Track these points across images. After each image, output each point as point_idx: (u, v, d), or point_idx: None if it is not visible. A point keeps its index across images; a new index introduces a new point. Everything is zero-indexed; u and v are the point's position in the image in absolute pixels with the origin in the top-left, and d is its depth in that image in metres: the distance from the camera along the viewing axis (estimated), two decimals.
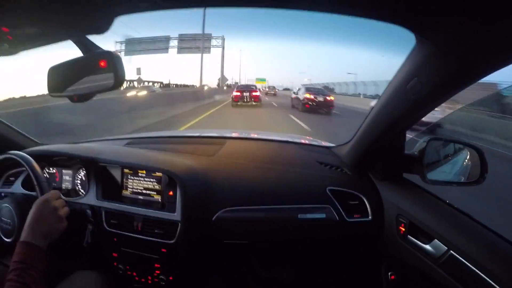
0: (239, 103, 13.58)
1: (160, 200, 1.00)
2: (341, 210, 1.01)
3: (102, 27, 0.53)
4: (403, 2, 0.44)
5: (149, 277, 1.02)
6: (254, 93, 13.90)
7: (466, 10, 0.43)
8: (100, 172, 1.06)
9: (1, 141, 1.25)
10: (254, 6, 0.49)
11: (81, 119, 4.61)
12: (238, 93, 13.87)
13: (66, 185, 1.14)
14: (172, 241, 0.94)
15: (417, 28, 0.52)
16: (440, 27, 0.50)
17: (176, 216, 0.94)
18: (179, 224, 0.93)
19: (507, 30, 0.44)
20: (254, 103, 13.74)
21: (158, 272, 0.99)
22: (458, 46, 0.51)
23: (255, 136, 1.68)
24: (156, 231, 0.95)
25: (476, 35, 0.48)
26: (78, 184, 1.12)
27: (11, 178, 1.15)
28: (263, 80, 61.62)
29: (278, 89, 46.06)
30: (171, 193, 0.98)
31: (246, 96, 13.71)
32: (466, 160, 0.94)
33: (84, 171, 1.09)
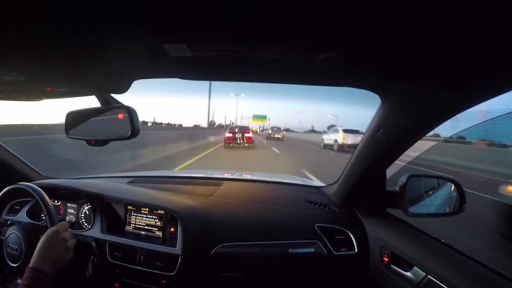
0: (231, 145, 13.04)
1: (161, 236, 1.06)
2: (329, 245, 1.08)
3: (121, 89, 0.65)
4: (364, 75, 0.57)
5: None
6: (246, 135, 13.43)
7: (409, 76, 0.56)
8: (104, 208, 1.12)
9: (7, 170, 1.32)
10: (235, 80, 0.61)
11: (83, 154, 4.67)
12: (230, 135, 13.29)
13: (70, 218, 1.19)
14: (172, 273, 0.99)
15: (380, 91, 0.65)
16: (394, 89, 0.62)
17: (177, 250, 1.00)
18: (180, 257, 0.99)
19: (451, 83, 0.55)
20: (246, 145, 13.24)
21: None
22: (414, 101, 0.63)
23: (250, 177, 1.77)
24: (157, 263, 1.00)
25: (423, 97, 0.60)
26: (82, 217, 1.18)
27: (16, 207, 1.20)
28: (262, 117, 46.22)
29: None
30: (172, 229, 1.05)
31: (239, 138, 13.22)
32: (445, 193, 1.01)
33: (89, 206, 1.16)
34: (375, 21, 0.37)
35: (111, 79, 0.62)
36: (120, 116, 0.69)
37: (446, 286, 0.73)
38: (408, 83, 0.59)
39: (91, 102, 0.76)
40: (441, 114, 0.61)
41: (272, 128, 29.91)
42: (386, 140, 0.76)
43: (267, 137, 23.92)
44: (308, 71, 0.56)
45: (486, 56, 0.45)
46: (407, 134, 0.73)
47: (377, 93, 0.66)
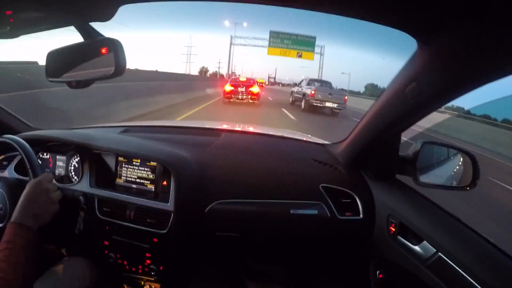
0: (232, 100, 11.57)
1: (153, 190, 1.01)
2: (333, 207, 1.02)
3: (106, 15, 0.53)
4: (406, 9, 0.45)
5: (140, 266, 1.02)
6: (251, 89, 11.66)
7: (466, 18, 0.44)
8: (94, 159, 1.05)
9: None
10: (261, 3, 0.49)
11: (77, 105, 4.55)
12: (232, 88, 11.63)
13: (60, 171, 1.13)
14: (164, 231, 0.94)
15: (419, 34, 0.53)
16: (441, 34, 0.50)
17: (169, 206, 0.94)
18: (172, 214, 0.94)
19: (506, 38, 0.45)
20: (250, 101, 11.69)
21: (149, 261, 1.00)
22: (458, 52, 0.52)
23: (251, 130, 1.68)
24: (148, 220, 0.95)
25: (476, 42, 0.48)
26: (72, 170, 1.11)
27: (4, 162, 1.14)
28: (261, 80, 55.68)
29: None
30: (165, 183, 0.99)
31: (242, 92, 11.52)
32: (459, 165, 0.96)
33: (78, 158, 1.09)
34: None
35: (92, 1, 0.50)
36: (104, 50, 0.59)
37: (458, 267, 0.68)
38: (458, 30, 0.48)
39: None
40: (492, 73, 0.51)
41: (310, 81, 12.97)
42: (419, 96, 0.66)
43: (291, 102, 13.67)
44: None
45: None
46: (445, 92, 0.62)
47: (416, 37, 0.54)
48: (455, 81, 0.58)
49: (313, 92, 11.00)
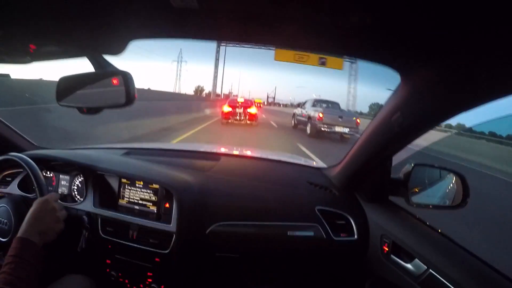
0: (230, 121, 11.16)
1: (155, 211, 1.03)
2: (329, 229, 1.05)
3: (117, 49, 0.58)
4: (389, 48, 0.51)
5: (141, 285, 1.03)
6: (249, 110, 11.34)
7: (440, 57, 0.50)
8: (98, 180, 1.08)
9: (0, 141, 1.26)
10: (248, 43, 0.54)
11: (78, 124, 4.59)
12: (230, 109, 11.22)
13: (63, 190, 1.15)
14: (166, 251, 0.96)
15: (401, 69, 0.59)
16: (420, 69, 0.56)
17: (172, 227, 0.97)
18: (174, 235, 0.96)
19: (475, 73, 0.50)
20: (248, 122, 11.29)
21: (150, 280, 1.01)
22: (437, 85, 0.58)
23: (250, 154, 1.73)
24: (151, 240, 0.97)
25: (454, 76, 0.54)
26: (75, 190, 1.14)
27: (7, 179, 1.16)
28: (259, 100, 57.47)
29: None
30: (167, 205, 1.01)
31: (240, 113, 11.20)
32: (450, 185, 0.99)
33: (82, 178, 1.12)
34: None
35: (105, 37, 0.55)
36: (115, 81, 0.63)
37: (448, 283, 0.71)
38: (436, 66, 0.53)
39: (85, 68, 0.71)
40: (467, 103, 0.56)
41: (315, 102, 11.20)
42: (402, 125, 0.71)
43: (293, 126, 12.25)
44: (331, 36, 0.50)
45: None
46: (426, 120, 0.67)
47: (399, 72, 0.60)
48: (434, 110, 0.63)
49: (321, 115, 9.26)
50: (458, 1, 0.35)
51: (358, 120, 9.64)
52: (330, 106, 10.96)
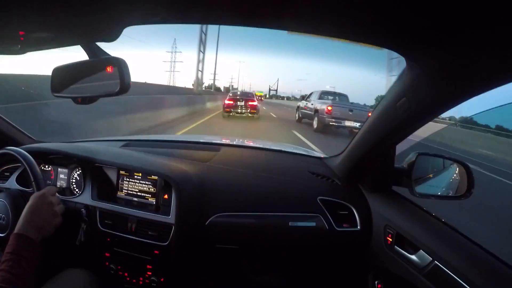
0: (231, 114, 11.21)
1: (154, 203, 1.02)
2: (331, 220, 1.04)
3: (111, 36, 0.56)
4: (396, 30, 0.48)
5: (141, 278, 1.02)
6: (250, 103, 11.40)
7: (452, 39, 0.48)
8: (96, 173, 1.07)
9: None
10: (254, 26, 0.52)
11: (78, 118, 4.58)
12: (231, 102, 11.36)
13: (61, 183, 1.14)
14: (165, 243, 0.95)
15: (407, 53, 0.57)
16: (428, 53, 0.54)
17: (170, 219, 0.95)
18: (173, 227, 0.95)
19: (489, 58, 0.48)
20: (250, 114, 11.31)
21: (149, 273, 1.01)
22: (444, 70, 0.56)
23: (249, 144, 1.71)
24: (149, 233, 0.96)
25: (461, 60, 0.52)
26: (73, 183, 1.13)
27: (6, 173, 1.15)
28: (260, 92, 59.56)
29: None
30: (166, 196, 1.00)
31: (241, 106, 11.27)
32: (454, 175, 0.98)
33: (80, 171, 1.10)
34: None
35: (99, 22, 0.53)
36: (109, 69, 0.61)
37: (454, 274, 0.69)
38: (444, 49, 0.51)
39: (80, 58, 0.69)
40: (474, 88, 0.54)
41: (322, 94, 10.43)
42: (408, 111, 0.69)
43: (297, 119, 11.82)
44: (334, 18, 0.47)
45: None
46: (433, 106, 0.65)
47: (405, 55, 0.58)
48: (440, 96, 0.61)
49: (329, 108, 8.54)
50: None
51: (369, 114, 8.29)
52: (338, 98, 10.20)
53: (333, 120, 8.50)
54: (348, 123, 8.51)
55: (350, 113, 8.51)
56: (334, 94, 10.74)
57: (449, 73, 0.56)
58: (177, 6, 0.47)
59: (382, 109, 0.81)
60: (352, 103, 9.65)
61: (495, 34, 0.43)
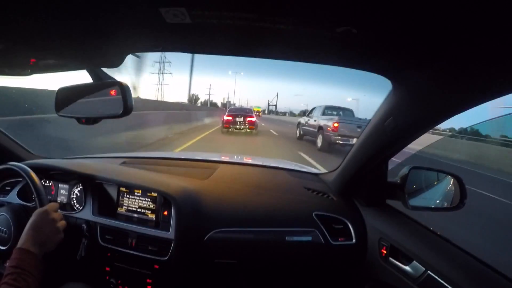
0: (230, 130, 11.24)
1: (154, 219, 1.04)
2: (327, 234, 1.06)
3: (115, 63, 0.60)
4: (379, 57, 0.52)
5: None
6: (249, 118, 11.47)
7: (428, 63, 0.52)
8: (96, 189, 1.09)
9: None
10: (248, 56, 0.56)
11: (78, 134, 4.60)
12: (230, 118, 11.37)
13: (62, 199, 1.16)
14: (165, 258, 0.97)
15: (393, 76, 0.61)
16: (410, 75, 0.58)
17: (170, 234, 0.97)
18: (173, 242, 0.97)
19: (471, 75, 0.52)
20: (248, 130, 11.42)
21: (149, 287, 1.01)
22: (427, 92, 0.59)
23: (246, 161, 1.75)
24: (149, 248, 0.98)
25: (444, 80, 0.56)
26: (74, 199, 1.15)
27: (7, 188, 1.17)
28: (258, 108, 58.37)
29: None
30: (165, 212, 1.02)
31: (240, 122, 11.34)
32: (447, 187, 1.00)
33: (81, 187, 1.13)
34: None
35: (103, 51, 0.57)
36: (113, 92, 0.65)
37: (446, 284, 0.71)
38: (425, 71, 0.55)
39: (84, 79, 0.72)
40: (456, 107, 0.58)
41: (326, 110, 9.39)
42: (395, 129, 0.73)
43: (298, 136, 10.91)
44: (320, 47, 0.51)
45: (507, 50, 0.41)
46: (418, 124, 0.69)
47: (389, 78, 0.62)
48: (425, 114, 0.65)
49: (336, 125, 7.63)
50: (443, 8, 0.36)
51: None
52: (343, 113, 9.29)
53: (340, 138, 7.62)
54: (356, 141, 7.22)
55: (359, 129, 7.41)
56: (338, 109, 9.77)
57: (433, 92, 0.60)
58: (177, 39, 0.51)
59: (371, 128, 0.85)
60: (359, 118, 8.80)
61: (479, 50, 0.46)
